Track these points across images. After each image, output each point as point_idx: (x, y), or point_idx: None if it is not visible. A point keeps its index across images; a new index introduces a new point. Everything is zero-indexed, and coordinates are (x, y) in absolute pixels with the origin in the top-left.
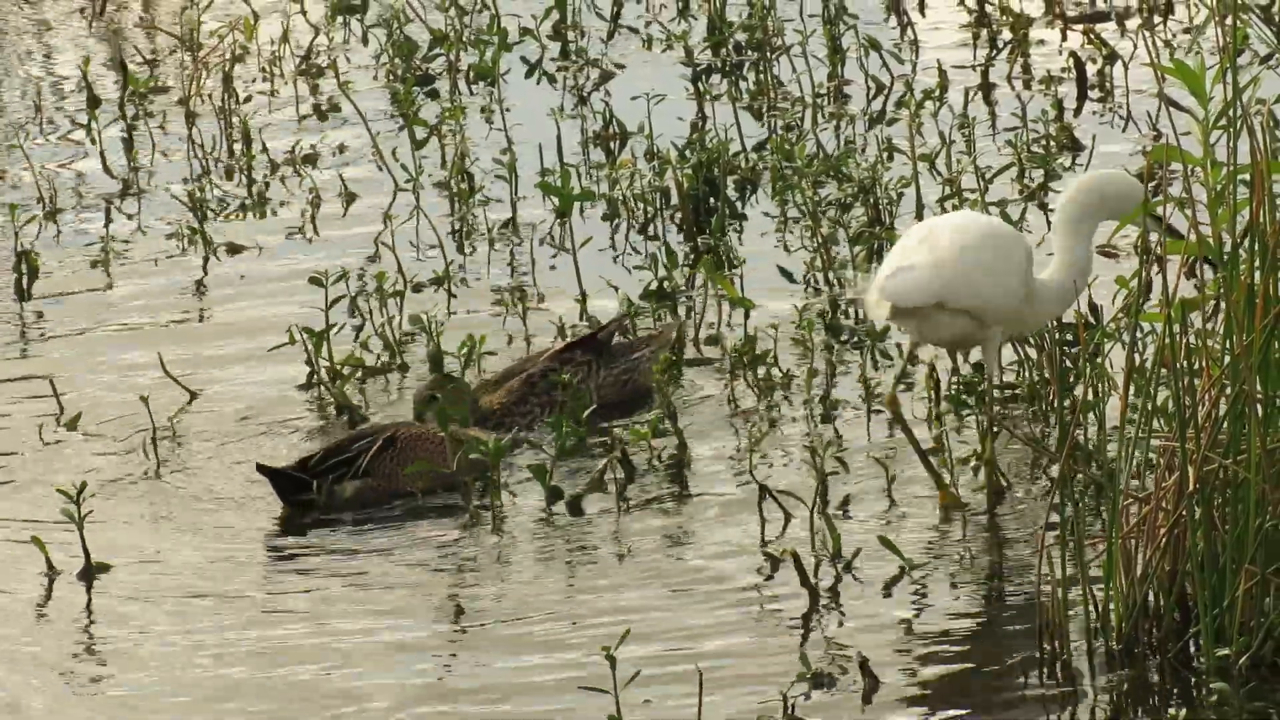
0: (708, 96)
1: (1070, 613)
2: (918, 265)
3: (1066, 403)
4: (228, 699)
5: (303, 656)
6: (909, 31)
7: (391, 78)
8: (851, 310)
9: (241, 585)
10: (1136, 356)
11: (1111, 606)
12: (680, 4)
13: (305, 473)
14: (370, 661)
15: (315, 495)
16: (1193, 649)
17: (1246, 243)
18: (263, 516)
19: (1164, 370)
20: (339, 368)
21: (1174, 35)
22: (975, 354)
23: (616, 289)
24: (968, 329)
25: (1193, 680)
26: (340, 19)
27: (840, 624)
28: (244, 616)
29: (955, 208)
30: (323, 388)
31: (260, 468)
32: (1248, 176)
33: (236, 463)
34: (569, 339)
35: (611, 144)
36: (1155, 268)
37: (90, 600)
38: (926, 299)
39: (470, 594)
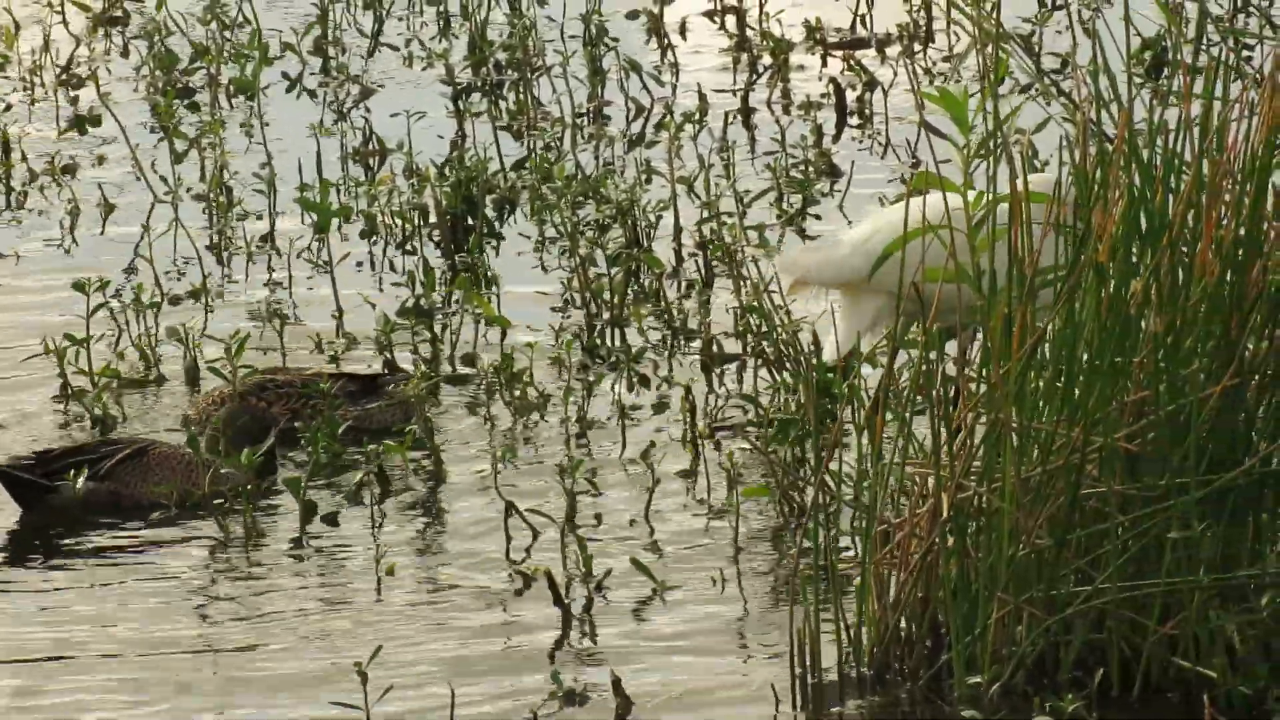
0: (468, 115)
1: (824, 637)
2: None
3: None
4: None
5: (36, 677)
6: (669, 54)
7: (152, 90)
8: (608, 331)
9: None
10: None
11: (864, 632)
12: (441, 23)
13: (42, 465)
14: (113, 678)
15: (49, 494)
16: (945, 676)
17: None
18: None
19: (920, 397)
20: (95, 379)
21: (934, 63)
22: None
23: (374, 305)
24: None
25: (945, 708)
26: (101, 30)
27: (592, 644)
28: None
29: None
30: (76, 400)
31: None
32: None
33: None
34: (339, 368)
35: (371, 161)
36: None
37: None
38: None
39: (219, 607)
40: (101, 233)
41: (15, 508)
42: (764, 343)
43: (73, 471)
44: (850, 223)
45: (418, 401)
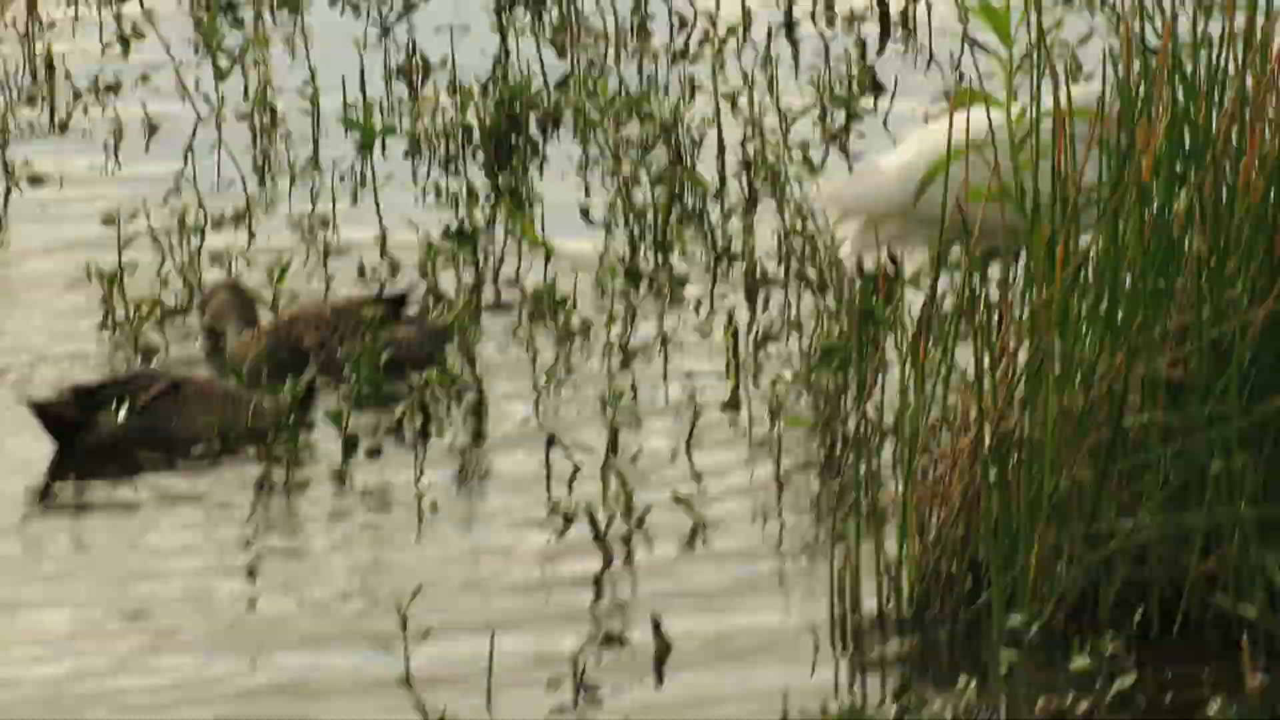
0: (511, 29)
1: (865, 575)
2: None
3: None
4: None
5: (63, 630)
6: None
7: (196, 5)
8: (652, 255)
9: (10, 547)
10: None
11: (904, 571)
12: None
13: (78, 400)
14: (161, 619)
15: (84, 430)
16: (985, 615)
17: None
18: (39, 462)
19: (963, 322)
20: (139, 307)
21: None
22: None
23: (417, 227)
24: None
25: (983, 649)
26: None
27: (631, 583)
28: (8, 579)
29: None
30: (119, 329)
31: (31, 404)
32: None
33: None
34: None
35: (414, 78)
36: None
37: None
38: None
39: (260, 546)
40: (146, 151)
41: (48, 445)
42: (807, 267)
43: (113, 405)
44: (894, 140)
45: (458, 329)
